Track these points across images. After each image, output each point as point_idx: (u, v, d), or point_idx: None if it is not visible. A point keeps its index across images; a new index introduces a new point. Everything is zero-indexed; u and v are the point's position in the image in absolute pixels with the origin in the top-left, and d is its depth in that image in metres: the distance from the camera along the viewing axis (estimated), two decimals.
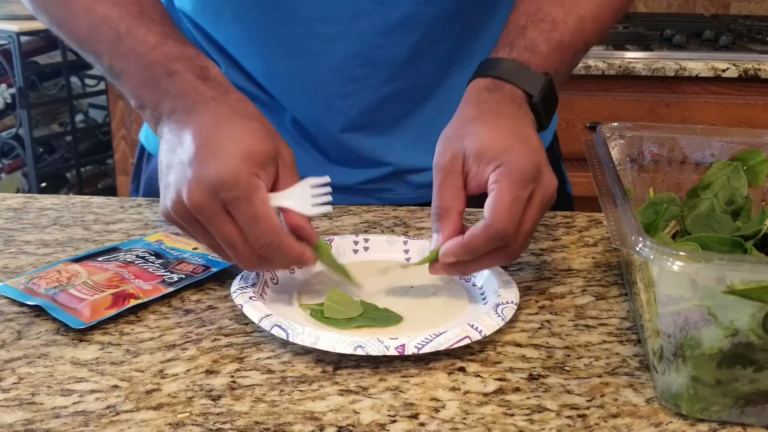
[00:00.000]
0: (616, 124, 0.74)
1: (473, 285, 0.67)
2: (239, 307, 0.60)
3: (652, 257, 0.49)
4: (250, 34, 0.81)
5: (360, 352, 0.54)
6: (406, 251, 0.72)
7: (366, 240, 0.73)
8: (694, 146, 0.74)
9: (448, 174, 0.62)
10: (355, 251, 0.72)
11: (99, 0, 0.67)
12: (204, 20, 0.84)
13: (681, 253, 0.48)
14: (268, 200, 0.58)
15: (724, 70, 1.79)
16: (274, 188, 0.60)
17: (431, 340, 0.55)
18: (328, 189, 0.62)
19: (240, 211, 0.57)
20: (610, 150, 0.70)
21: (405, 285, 0.67)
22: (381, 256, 0.72)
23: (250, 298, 0.61)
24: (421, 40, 0.80)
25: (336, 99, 0.82)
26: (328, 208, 0.61)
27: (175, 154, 0.59)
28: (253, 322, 0.60)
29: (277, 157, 0.60)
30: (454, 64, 0.84)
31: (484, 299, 0.64)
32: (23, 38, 2.17)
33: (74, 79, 2.41)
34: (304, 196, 0.61)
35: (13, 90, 2.24)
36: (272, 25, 0.79)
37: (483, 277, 0.66)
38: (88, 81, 2.49)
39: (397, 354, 0.54)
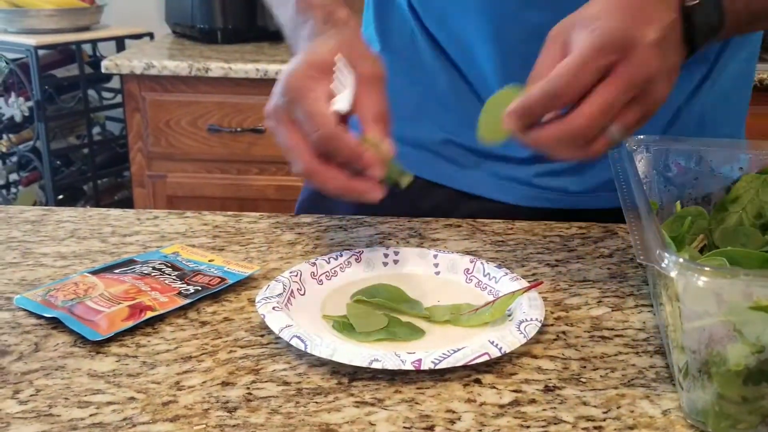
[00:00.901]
0: (641, 136, 0.72)
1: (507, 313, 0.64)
2: (262, 317, 0.60)
3: (676, 272, 0.47)
4: None
5: (376, 365, 0.54)
6: (436, 265, 0.72)
7: (396, 253, 0.73)
8: (721, 159, 0.72)
9: (549, 43, 0.62)
10: (385, 264, 0.72)
11: None
12: None
13: (706, 269, 0.46)
14: (323, 99, 0.64)
15: None
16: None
17: (449, 356, 0.55)
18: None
19: (296, 111, 0.64)
20: (636, 163, 0.69)
21: (433, 299, 0.66)
22: (411, 269, 0.72)
23: (273, 308, 0.61)
24: None
25: None
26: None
27: None
28: (268, 334, 0.61)
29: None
30: None
31: (509, 315, 0.63)
32: (41, 52, 2.19)
33: (91, 92, 2.42)
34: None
35: (30, 103, 2.26)
36: None
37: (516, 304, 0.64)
38: (105, 94, 2.50)
39: (413, 369, 0.54)
